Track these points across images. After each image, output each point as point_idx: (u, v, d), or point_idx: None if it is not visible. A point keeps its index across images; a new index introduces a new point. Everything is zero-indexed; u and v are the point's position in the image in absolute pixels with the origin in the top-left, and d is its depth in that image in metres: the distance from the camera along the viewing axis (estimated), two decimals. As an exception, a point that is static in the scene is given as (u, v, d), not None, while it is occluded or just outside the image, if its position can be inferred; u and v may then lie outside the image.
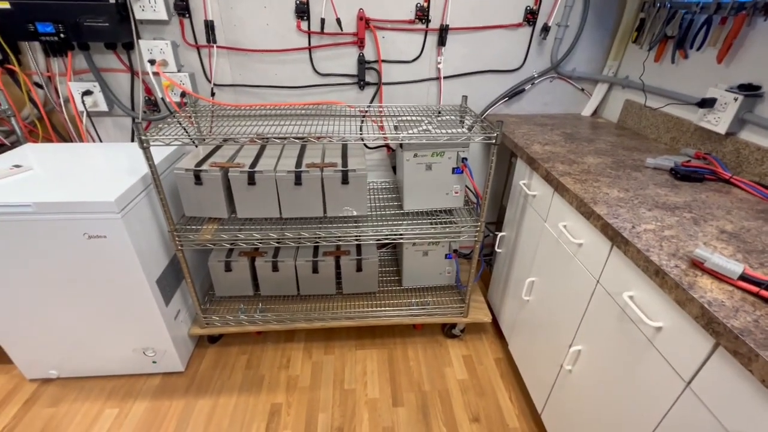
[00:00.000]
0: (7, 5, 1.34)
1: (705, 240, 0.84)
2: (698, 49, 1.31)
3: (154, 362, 1.51)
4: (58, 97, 1.62)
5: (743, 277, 0.70)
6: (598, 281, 0.99)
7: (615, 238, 0.89)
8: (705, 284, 0.71)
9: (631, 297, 0.86)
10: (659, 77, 1.49)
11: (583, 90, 1.78)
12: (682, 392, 0.73)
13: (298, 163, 1.38)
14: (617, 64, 1.69)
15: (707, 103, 1.21)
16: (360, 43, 1.58)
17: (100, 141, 1.74)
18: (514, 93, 1.76)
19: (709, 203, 1.00)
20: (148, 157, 1.18)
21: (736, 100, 1.14)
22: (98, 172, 1.29)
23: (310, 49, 1.59)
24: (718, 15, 1.21)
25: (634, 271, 0.85)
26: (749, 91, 1.13)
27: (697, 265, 0.75)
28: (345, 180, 1.37)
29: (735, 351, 0.61)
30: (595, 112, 1.81)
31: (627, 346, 0.88)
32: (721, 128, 1.19)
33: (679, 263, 0.76)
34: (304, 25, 1.54)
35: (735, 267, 0.70)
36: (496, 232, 2.06)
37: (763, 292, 0.67)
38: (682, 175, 1.13)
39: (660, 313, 0.78)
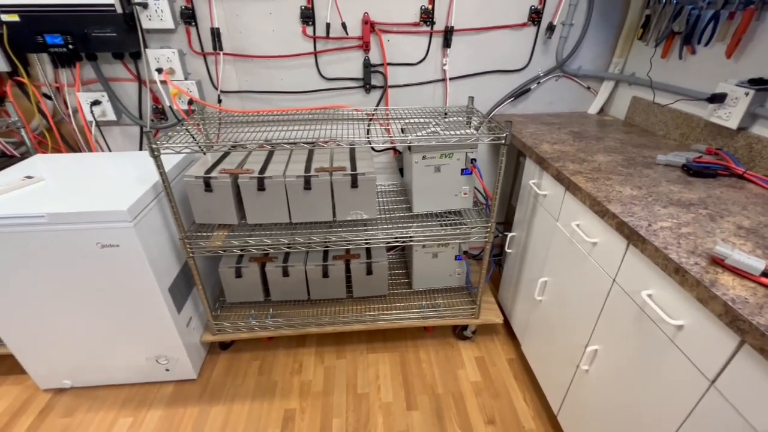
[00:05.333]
0: (16, 18, 1.36)
1: (723, 236, 0.83)
2: (706, 45, 1.31)
3: (167, 370, 1.51)
4: (67, 107, 1.63)
5: (765, 273, 0.69)
6: (614, 280, 0.98)
7: (631, 236, 0.88)
8: (727, 281, 0.70)
9: (649, 295, 0.86)
10: (667, 73, 1.48)
11: (589, 88, 1.78)
12: (707, 391, 0.72)
13: (307, 168, 1.38)
14: (623, 61, 1.68)
15: (717, 99, 1.20)
16: (365, 47, 1.58)
17: (109, 150, 1.75)
18: (520, 92, 1.75)
19: (724, 199, 1.00)
20: (159, 166, 1.19)
21: (747, 94, 1.13)
22: (109, 182, 1.30)
23: (315, 54, 1.59)
24: (725, 10, 1.21)
25: (653, 270, 0.85)
26: (760, 85, 1.12)
27: (717, 262, 0.74)
28: (354, 183, 1.37)
29: (761, 348, 0.60)
30: (601, 110, 1.80)
31: (646, 345, 0.88)
32: (733, 123, 1.18)
33: (699, 261, 0.75)
34: (309, 30, 1.54)
35: (756, 263, 0.69)
36: (506, 233, 2.05)
37: (787, 288, 0.66)
38: (694, 171, 1.13)
39: (681, 311, 0.78)
